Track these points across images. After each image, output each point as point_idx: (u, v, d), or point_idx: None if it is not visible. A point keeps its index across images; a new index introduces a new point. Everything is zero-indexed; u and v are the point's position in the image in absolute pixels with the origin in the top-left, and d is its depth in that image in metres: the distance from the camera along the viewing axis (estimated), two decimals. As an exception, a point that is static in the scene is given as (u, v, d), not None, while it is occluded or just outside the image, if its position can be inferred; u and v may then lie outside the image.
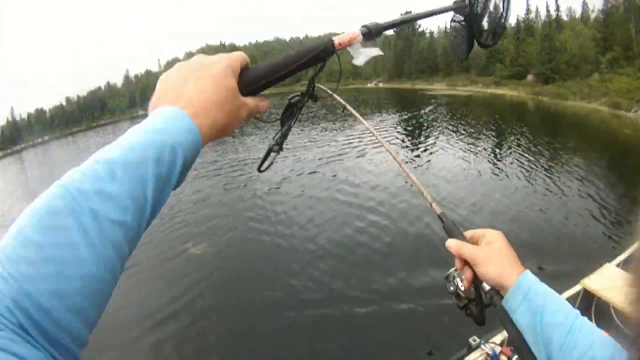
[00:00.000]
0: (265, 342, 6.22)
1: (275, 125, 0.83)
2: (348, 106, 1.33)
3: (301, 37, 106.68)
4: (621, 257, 5.18)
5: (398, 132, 23.17)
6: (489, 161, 15.26)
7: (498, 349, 3.99)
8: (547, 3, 45.89)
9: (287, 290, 7.52)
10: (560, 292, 0.88)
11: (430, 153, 17.20)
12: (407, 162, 14.74)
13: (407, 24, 0.90)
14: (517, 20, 49.21)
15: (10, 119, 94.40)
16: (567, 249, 7.99)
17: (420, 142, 19.83)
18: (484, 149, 17.49)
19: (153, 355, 6.29)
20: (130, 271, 8.45)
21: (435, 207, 0.98)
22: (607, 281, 4.57)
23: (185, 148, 0.50)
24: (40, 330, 0.36)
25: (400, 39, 68.46)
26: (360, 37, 0.76)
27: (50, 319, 0.37)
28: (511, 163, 14.60)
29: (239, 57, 0.63)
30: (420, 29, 69.16)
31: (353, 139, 20.61)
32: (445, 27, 68.11)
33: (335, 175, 14.32)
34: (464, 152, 16.94)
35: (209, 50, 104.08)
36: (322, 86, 1.16)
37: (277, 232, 10.07)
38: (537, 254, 7.50)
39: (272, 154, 0.76)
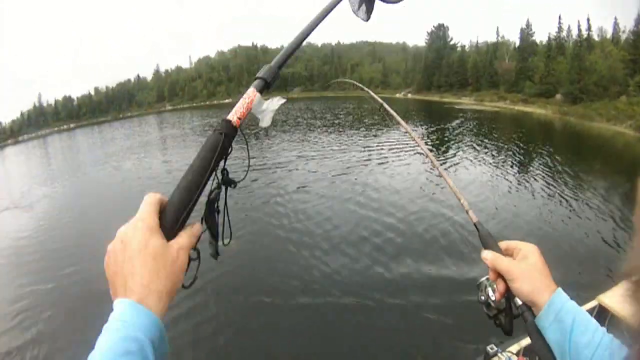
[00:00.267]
0: (281, 338, 6.59)
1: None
2: (397, 117, 1.50)
3: (333, 43, 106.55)
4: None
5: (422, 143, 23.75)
6: (512, 178, 15.71)
7: (515, 358, 4.05)
8: (578, 22, 45.66)
9: (302, 286, 8.05)
10: None
11: (455, 166, 17.78)
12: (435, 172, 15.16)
13: (299, 46, 0.86)
14: (549, 37, 49.40)
15: (37, 104, 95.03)
16: (586, 265, 8.31)
17: (444, 156, 20.22)
18: (510, 166, 17.98)
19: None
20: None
21: (472, 214, 1.01)
22: (623, 298, 5.37)
23: (145, 332, 0.56)
24: None
25: (431, 51, 68.60)
26: (258, 95, 0.74)
27: None
28: (535, 181, 15.02)
29: (152, 207, 0.66)
30: (452, 42, 69.34)
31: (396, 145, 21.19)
32: (477, 41, 68.77)
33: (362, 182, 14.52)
34: (488, 167, 17.50)
35: (241, 51, 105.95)
36: (374, 95, 1.76)
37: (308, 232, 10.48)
38: (556, 267, 8.21)
39: (195, 262, 0.69)
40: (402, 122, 1.49)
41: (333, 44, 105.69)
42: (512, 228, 10.62)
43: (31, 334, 7.55)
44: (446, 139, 26.42)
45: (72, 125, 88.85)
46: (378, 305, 7.32)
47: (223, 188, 0.74)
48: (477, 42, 68.89)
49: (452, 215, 11.05)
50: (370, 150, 21.95)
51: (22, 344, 7.30)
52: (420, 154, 20.67)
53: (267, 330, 6.83)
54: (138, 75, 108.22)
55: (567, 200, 12.94)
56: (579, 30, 45.74)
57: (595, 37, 46.51)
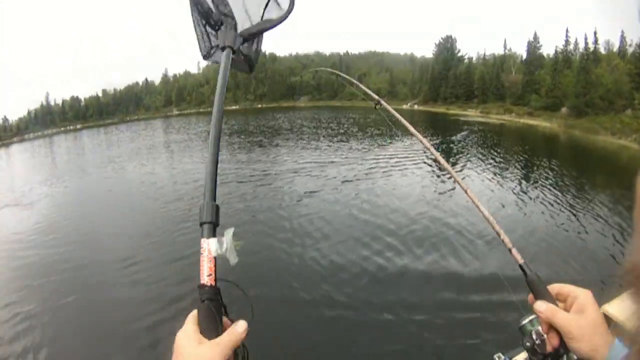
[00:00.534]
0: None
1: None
2: (419, 135, 1.53)
3: (341, 53, 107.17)
4: None
5: (426, 155, 23.15)
6: (516, 191, 15.70)
7: (523, 368, 4.28)
8: (585, 35, 45.70)
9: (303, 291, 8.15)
10: None
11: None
12: (441, 192, 15.27)
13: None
14: (556, 51, 49.50)
15: (44, 103, 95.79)
16: (590, 275, 8.38)
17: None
18: (513, 179, 17.93)
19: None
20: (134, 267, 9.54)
21: (516, 254, 0.94)
22: (628, 308, 5.30)
23: None
24: None
25: (438, 62, 68.75)
26: (212, 240, 0.74)
27: None
28: (537, 196, 14.92)
29: (192, 318, 0.72)
30: (460, 54, 69.51)
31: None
32: (485, 53, 68.90)
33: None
34: (491, 181, 17.43)
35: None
36: (388, 107, 1.85)
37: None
38: (560, 278, 7.34)
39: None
40: (429, 146, 1.48)
41: (341, 53, 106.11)
42: (519, 240, 10.44)
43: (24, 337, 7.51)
44: (452, 151, 26.47)
45: (78, 126, 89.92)
46: (384, 313, 7.34)
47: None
48: (484, 54, 69.07)
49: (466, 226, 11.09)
50: (381, 160, 21.96)
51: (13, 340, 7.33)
52: (426, 163, 20.88)
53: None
54: (146, 79, 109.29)
55: (571, 212, 12.98)
56: (586, 43, 45.77)
57: (602, 51, 46.67)
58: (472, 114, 53.45)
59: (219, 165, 0.85)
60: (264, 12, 1.06)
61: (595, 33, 45.63)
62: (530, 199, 14.71)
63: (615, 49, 47.06)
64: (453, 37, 70.32)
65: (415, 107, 70.08)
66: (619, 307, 4.83)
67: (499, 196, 15.03)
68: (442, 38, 71.12)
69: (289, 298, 8.01)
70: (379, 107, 1.76)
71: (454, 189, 15.59)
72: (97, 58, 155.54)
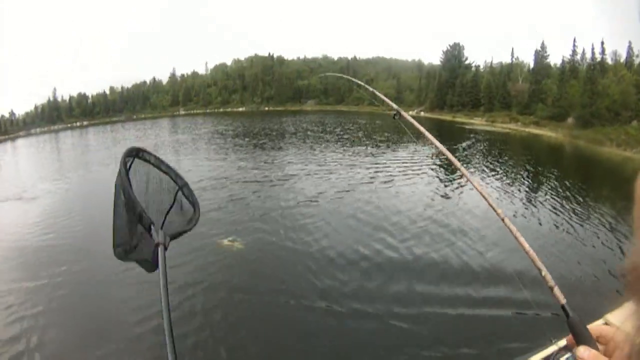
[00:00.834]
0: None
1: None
2: (441, 147, 1.50)
3: (349, 58, 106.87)
4: None
5: (428, 163, 23.55)
6: (521, 200, 15.81)
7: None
8: (592, 45, 45.49)
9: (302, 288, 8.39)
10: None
11: (461, 188, 17.72)
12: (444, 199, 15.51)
13: None
14: (563, 60, 49.19)
15: (51, 98, 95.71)
16: (593, 286, 8.48)
17: (452, 176, 20.09)
18: (518, 189, 17.98)
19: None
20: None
21: (558, 293, 0.89)
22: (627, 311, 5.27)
23: None
24: None
25: (445, 69, 68.45)
26: None
27: None
28: (542, 207, 14.96)
29: None
30: (467, 62, 69.26)
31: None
32: (492, 61, 68.65)
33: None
34: (495, 190, 17.48)
35: (257, 60, 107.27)
36: (406, 115, 1.83)
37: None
38: (564, 286, 8.19)
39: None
40: (453, 158, 1.47)
41: (349, 58, 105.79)
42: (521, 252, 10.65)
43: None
44: (459, 159, 26.14)
45: (85, 123, 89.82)
46: (387, 319, 7.51)
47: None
48: (491, 63, 68.63)
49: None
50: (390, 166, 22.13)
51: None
52: (427, 172, 20.98)
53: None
54: (154, 78, 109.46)
55: (575, 223, 13.02)
56: (593, 53, 45.41)
57: (609, 61, 46.29)
58: (478, 122, 53.20)
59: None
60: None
61: (602, 43, 45.29)
62: (537, 208, 14.76)
63: (622, 59, 46.86)
64: (461, 44, 70.17)
65: (422, 114, 69.79)
66: (620, 316, 4.80)
67: (501, 204, 14.89)
68: (449, 45, 70.91)
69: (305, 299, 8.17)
70: (398, 118, 1.65)
71: (460, 195, 15.86)
72: (104, 56, 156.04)
